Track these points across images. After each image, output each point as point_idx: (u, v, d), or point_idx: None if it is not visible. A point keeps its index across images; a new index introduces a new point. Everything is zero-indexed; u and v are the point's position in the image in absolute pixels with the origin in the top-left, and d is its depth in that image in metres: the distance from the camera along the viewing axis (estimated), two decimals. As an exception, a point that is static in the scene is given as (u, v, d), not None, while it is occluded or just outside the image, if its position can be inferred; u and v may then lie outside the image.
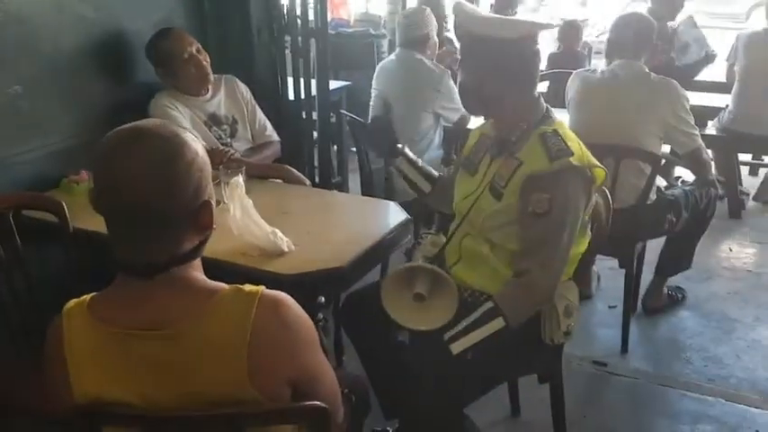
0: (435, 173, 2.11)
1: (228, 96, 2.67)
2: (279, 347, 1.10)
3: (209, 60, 2.55)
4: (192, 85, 2.54)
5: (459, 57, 1.89)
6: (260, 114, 2.74)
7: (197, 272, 1.15)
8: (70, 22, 2.37)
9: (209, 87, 2.59)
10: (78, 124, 2.39)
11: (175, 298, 1.09)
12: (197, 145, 1.13)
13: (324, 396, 1.17)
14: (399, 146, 2.07)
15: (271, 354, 1.09)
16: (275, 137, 2.76)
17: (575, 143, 1.74)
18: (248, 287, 1.12)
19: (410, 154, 2.09)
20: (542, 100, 1.81)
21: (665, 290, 3.09)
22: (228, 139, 2.60)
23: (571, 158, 1.68)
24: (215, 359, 1.07)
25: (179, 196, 1.06)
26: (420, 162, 2.10)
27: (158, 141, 1.07)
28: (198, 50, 2.52)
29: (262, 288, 1.12)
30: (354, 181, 3.55)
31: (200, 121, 2.55)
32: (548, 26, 1.83)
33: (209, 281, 1.15)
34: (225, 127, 2.61)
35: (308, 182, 2.57)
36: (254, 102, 2.74)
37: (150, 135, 1.07)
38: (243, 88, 2.73)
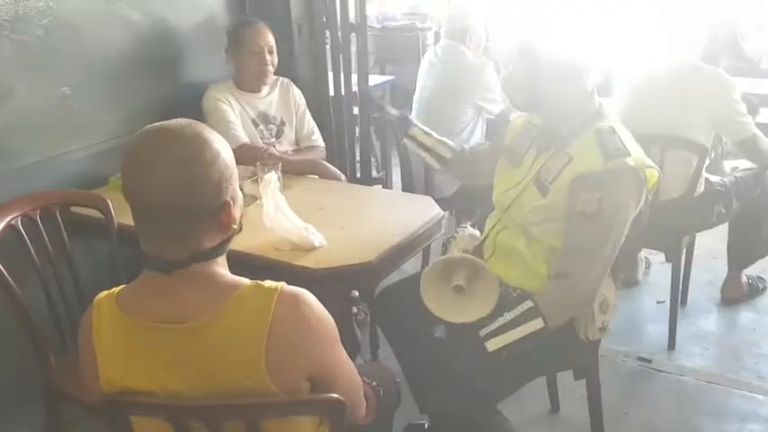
0: (452, 143, 2.12)
1: (281, 99, 2.74)
2: (297, 343, 1.12)
3: (275, 64, 2.64)
4: (249, 78, 2.62)
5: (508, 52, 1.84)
6: (309, 119, 2.80)
7: (220, 267, 1.17)
8: (117, 24, 2.45)
9: (266, 87, 2.68)
10: (126, 124, 2.47)
11: (197, 293, 1.13)
12: (220, 146, 1.13)
13: (342, 391, 1.19)
14: (410, 117, 2.12)
15: (289, 349, 1.11)
16: (320, 142, 2.82)
17: (631, 142, 1.69)
18: (269, 283, 1.14)
19: (420, 125, 2.12)
20: (596, 94, 1.76)
21: (745, 278, 3.00)
22: (273, 139, 2.67)
23: (627, 159, 1.63)
24: (234, 353, 1.10)
25: (198, 196, 1.09)
26: (433, 133, 2.12)
27: (180, 142, 1.09)
28: (270, 51, 2.61)
29: (282, 284, 1.14)
30: (398, 175, 3.56)
31: (248, 117, 2.63)
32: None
33: (230, 276, 1.17)
34: (271, 126, 2.69)
35: (342, 177, 2.60)
36: (305, 107, 2.81)
37: (172, 136, 1.10)
38: (297, 93, 2.79)
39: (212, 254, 1.14)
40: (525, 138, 1.85)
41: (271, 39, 2.61)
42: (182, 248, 1.11)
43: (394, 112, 2.16)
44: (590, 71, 1.75)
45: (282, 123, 2.71)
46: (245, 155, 2.29)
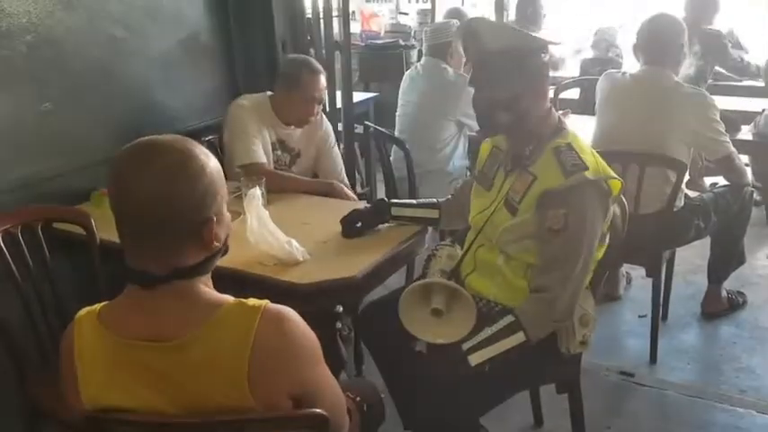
0: (433, 199, 2.13)
1: (305, 132, 2.73)
2: (280, 361, 1.12)
3: (319, 111, 2.64)
4: (289, 117, 2.63)
5: (472, 73, 1.85)
6: (337, 155, 2.82)
7: (204, 285, 1.17)
8: (100, 41, 2.46)
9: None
10: (109, 140, 2.45)
11: (180, 310, 1.12)
12: (207, 162, 1.13)
13: (325, 408, 1.18)
14: (384, 199, 2.15)
15: (271, 367, 1.11)
16: (343, 180, 2.82)
17: (589, 155, 1.72)
18: (252, 301, 1.14)
19: (396, 201, 2.15)
20: (554, 111, 1.80)
21: (725, 293, 3.03)
22: (285, 166, 2.70)
23: (586, 173, 1.66)
24: (217, 372, 1.09)
25: (180, 211, 1.09)
26: (413, 201, 2.17)
27: (164, 156, 1.09)
28: (320, 101, 2.61)
29: (265, 302, 1.14)
30: (383, 191, 3.57)
31: (269, 140, 2.63)
32: (553, 43, 1.83)
33: (214, 293, 1.17)
34: (285, 155, 2.70)
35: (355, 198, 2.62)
36: (333, 142, 2.81)
37: (158, 150, 1.11)
38: (326, 128, 2.78)
39: (194, 272, 1.14)
40: (493, 162, 1.89)
41: (324, 89, 2.61)
42: (163, 264, 1.11)
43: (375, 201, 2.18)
44: (548, 88, 1.80)
45: (298, 155, 2.72)
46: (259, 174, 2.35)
